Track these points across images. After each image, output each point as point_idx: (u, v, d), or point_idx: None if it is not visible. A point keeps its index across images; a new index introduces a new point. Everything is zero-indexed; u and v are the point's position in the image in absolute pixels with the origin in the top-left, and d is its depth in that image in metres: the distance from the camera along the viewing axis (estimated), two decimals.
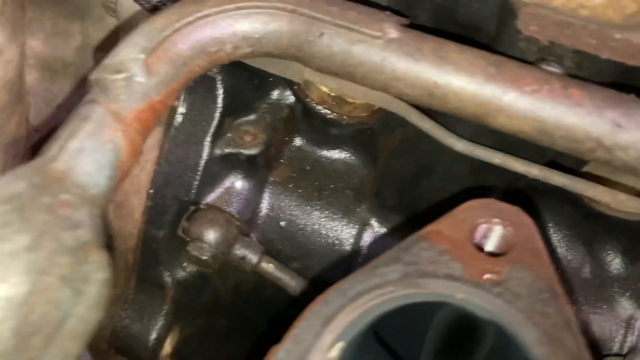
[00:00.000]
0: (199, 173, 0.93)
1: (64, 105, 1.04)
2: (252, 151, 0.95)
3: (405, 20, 0.61)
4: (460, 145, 0.72)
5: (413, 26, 0.64)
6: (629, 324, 0.91)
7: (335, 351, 0.51)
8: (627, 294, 0.92)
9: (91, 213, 0.49)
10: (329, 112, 0.91)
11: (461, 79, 0.56)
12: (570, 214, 0.92)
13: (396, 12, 0.68)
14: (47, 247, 0.44)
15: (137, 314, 1.00)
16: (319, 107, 0.91)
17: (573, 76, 0.61)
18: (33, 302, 0.42)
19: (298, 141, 0.99)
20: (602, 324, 0.92)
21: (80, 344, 0.47)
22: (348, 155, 0.98)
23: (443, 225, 0.58)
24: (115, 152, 0.53)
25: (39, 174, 0.48)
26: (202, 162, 0.92)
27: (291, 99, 0.95)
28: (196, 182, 0.93)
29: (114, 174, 0.53)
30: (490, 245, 0.59)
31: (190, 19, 0.58)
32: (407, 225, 0.97)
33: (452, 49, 0.57)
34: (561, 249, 0.95)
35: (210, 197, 0.95)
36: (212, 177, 0.93)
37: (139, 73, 0.55)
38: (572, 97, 0.55)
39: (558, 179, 0.71)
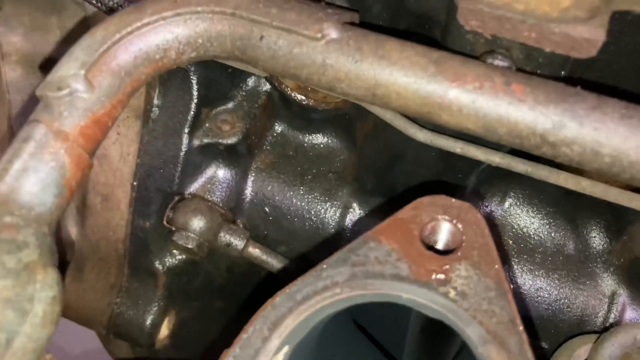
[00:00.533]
0: (180, 164, 0.94)
1: None
2: (232, 140, 0.96)
3: (350, 17, 0.60)
4: (421, 135, 0.72)
5: (363, 23, 0.63)
6: (612, 299, 0.91)
7: (282, 355, 0.52)
8: (611, 270, 0.92)
9: (37, 232, 0.51)
10: (304, 98, 0.91)
11: (402, 79, 0.56)
12: (552, 191, 0.92)
13: (349, 7, 0.67)
14: None
15: (131, 300, 1.03)
16: (295, 94, 0.91)
17: (523, 69, 0.60)
18: None
19: (279, 127, 1.00)
20: (585, 300, 0.93)
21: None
22: (329, 139, 0.99)
23: (392, 224, 0.58)
24: (59, 170, 0.54)
25: None
26: (182, 153, 0.94)
27: (267, 86, 0.95)
28: (177, 173, 0.94)
29: (59, 191, 0.54)
30: (439, 243, 0.59)
31: (130, 28, 0.58)
32: (387, 208, 0.98)
33: (393, 47, 0.56)
34: (544, 226, 0.95)
35: (194, 187, 0.96)
36: (193, 167, 0.95)
37: (81, 88, 0.56)
38: (515, 93, 0.54)
39: (520, 166, 0.70)
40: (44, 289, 0.49)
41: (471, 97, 0.55)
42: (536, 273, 0.94)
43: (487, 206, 0.95)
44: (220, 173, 0.97)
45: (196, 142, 0.94)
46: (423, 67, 0.55)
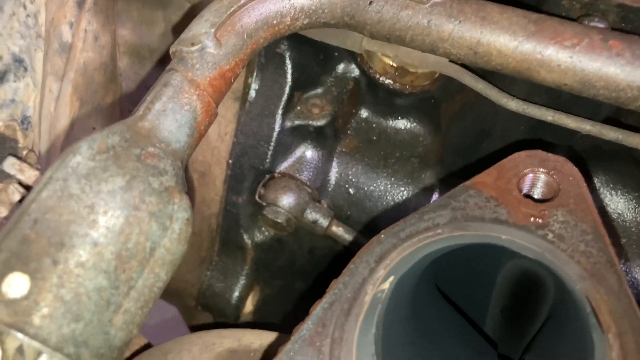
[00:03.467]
0: (272, 143, 1.00)
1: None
2: (320, 122, 1.01)
3: None
4: (513, 104, 0.75)
5: None
6: None
7: (387, 284, 0.57)
8: None
9: (174, 164, 0.58)
10: (392, 82, 0.96)
11: (502, 37, 0.60)
12: (636, 175, 0.93)
13: None
14: (138, 188, 0.53)
15: (221, 274, 1.08)
16: (383, 78, 0.96)
17: (619, 30, 0.63)
18: (128, 232, 0.51)
19: (364, 112, 1.04)
20: None
21: (167, 271, 0.55)
22: (412, 124, 1.03)
23: (490, 175, 0.62)
24: (192, 113, 0.61)
25: (129, 130, 0.57)
26: (275, 133, 1.00)
27: (356, 72, 1.01)
28: (270, 152, 1.00)
29: (191, 132, 0.61)
30: (536, 193, 0.62)
31: None
32: None
33: (493, 9, 0.61)
34: (629, 210, 0.95)
35: (283, 166, 1.02)
36: (284, 147, 1.01)
37: (210, 45, 0.63)
38: (612, 49, 0.57)
39: (611, 133, 0.72)
40: (180, 210, 0.56)
41: (569, 53, 0.59)
42: (621, 257, 0.94)
43: None
44: (309, 153, 1.02)
45: (288, 123, 1.00)
46: (522, 26, 0.60)
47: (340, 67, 1.02)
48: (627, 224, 0.95)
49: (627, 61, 0.57)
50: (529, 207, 0.59)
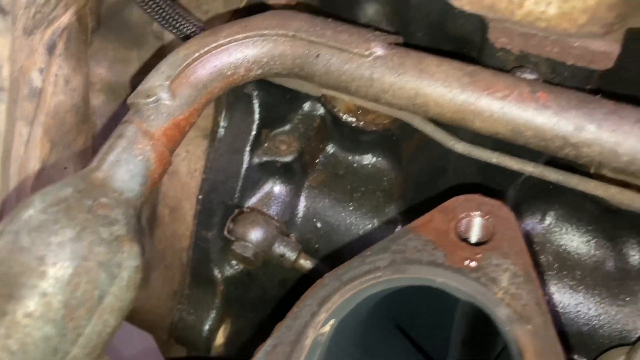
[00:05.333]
0: (241, 179, 1.03)
1: None
2: (288, 158, 1.04)
3: (394, 39, 0.69)
4: (460, 146, 0.79)
5: (408, 44, 0.72)
6: None
7: (328, 327, 0.59)
8: None
9: (126, 213, 0.61)
10: (355, 120, 0.99)
11: (438, 89, 0.64)
12: (591, 209, 0.96)
13: (395, 32, 0.76)
14: (88, 239, 0.56)
15: (192, 307, 1.11)
16: (346, 117, 0.99)
17: (549, 82, 0.67)
18: (77, 282, 0.54)
19: (331, 148, 1.08)
20: (626, 316, 0.94)
21: (117, 318, 0.58)
22: (377, 159, 1.06)
23: (429, 219, 0.65)
24: (146, 162, 0.64)
25: (83, 181, 0.60)
26: (243, 169, 1.03)
27: (321, 109, 1.04)
28: (239, 188, 1.03)
29: (144, 180, 0.64)
30: (473, 236, 0.65)
31: (207, 48, 0.69)
32: None
33: (431, 62, 0.65)
34: (584, 243, 0.98)
35: (252, 201, 1.05)
36: (252, 182, 1.04)
37: (165, 97, 0.67)
38: (539, 100, 0.61)
39: (552, 175, 0.76)
40: (130, 258, 0.59)
41: (500, 104, 0.62)
42: (576, 289, 0.96)
43: (527, 224, 1.00)
44: (277, 189, 1.05)
45: (256, 160, 1.03)
46: (457, 78, 0.63)
47: (307, 105, 1.06)
48: (582, 256, 0.98)
49: (553, 112, 0.61)
50: (464, 251, 0.63)
